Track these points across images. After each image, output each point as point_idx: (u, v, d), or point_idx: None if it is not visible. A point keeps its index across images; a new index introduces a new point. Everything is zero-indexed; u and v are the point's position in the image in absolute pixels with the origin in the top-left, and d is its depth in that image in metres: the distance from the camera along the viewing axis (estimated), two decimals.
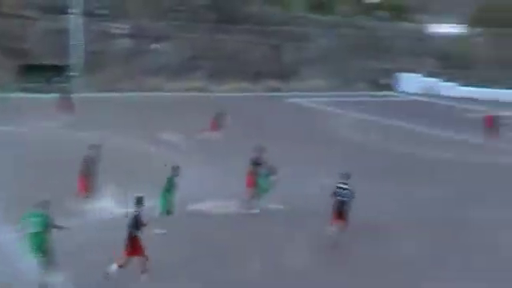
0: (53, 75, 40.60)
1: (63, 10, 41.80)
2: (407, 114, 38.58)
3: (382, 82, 54.32)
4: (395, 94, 52.86)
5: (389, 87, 54.12)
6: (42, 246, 10.79)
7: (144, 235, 11.29)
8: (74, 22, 42.11)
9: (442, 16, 55.12)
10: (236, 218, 15.72)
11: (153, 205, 13.63)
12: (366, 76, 52.99)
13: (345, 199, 13.71)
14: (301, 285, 12.00)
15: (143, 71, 44.74)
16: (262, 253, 13.44)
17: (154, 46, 46.73)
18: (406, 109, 42.79)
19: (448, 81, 53.01)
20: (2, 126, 25.92)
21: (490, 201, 18.34)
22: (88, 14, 42.44)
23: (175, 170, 14.50)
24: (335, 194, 13.83)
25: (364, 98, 47.28)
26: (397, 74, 54.69)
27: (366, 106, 41.87)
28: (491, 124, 29.92)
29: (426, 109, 43.82)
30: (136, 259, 11.26)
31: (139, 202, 11.36)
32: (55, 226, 11.12)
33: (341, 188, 13.81)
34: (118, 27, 45.67)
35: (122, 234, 11.18)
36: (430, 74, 54.19)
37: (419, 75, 54.21)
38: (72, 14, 42.02)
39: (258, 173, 16.27)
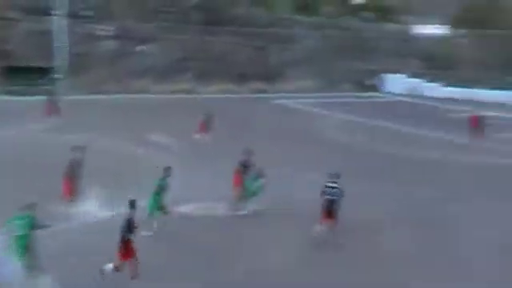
0: (37, 77, 40.08)
1: (47, 12, 41.36)
2: (392, 114, 38.77)
3: (367, 82, 54.67)
4: (380, 94, 53.18)
5: (374, 88, 54.44)
6: (27, 248, 10.72)
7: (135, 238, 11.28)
8: (58, 23, 41.73)
9: (427, 17, 55.60)
10: (224, 220, 15.68)
11: (141, 206, 13.53)
12: (351, 77, 53.24)
13: (334, 198, 13.76)
14: (289, 285, 12.00)
15: (129, 73, 44.48)
16: (250, 254, 13.43)
17: (139, 47, 46.51)
18: (391, 109, 43.00)
19: (432, 81, 53.49)
20: None
21: (477, 200, 18.48)
22: (72, 15, 41.99)
23: (167, 170, 14.44)
24: (324, 192, 13.87)
25: (350, 99, 47.48)
26: (382, 74, 55.04)
27: (351, 107, 42.04)
28: (476, 124, 30.16)
29: (410, 109, 44.09)
30: (128, 263, 11.20)
31: (132, 205, 11.35)
32: (40, 227, 11.07)
33: (330, 187, 13.85)
34: (103, 29, 45.35)
35: (107, 238, 11.11)
36: (415, 75, 54.62)
37: (404, 76, 54.61)
38: (56, 15, 41.65)
39: (246, 175, 16.23)
